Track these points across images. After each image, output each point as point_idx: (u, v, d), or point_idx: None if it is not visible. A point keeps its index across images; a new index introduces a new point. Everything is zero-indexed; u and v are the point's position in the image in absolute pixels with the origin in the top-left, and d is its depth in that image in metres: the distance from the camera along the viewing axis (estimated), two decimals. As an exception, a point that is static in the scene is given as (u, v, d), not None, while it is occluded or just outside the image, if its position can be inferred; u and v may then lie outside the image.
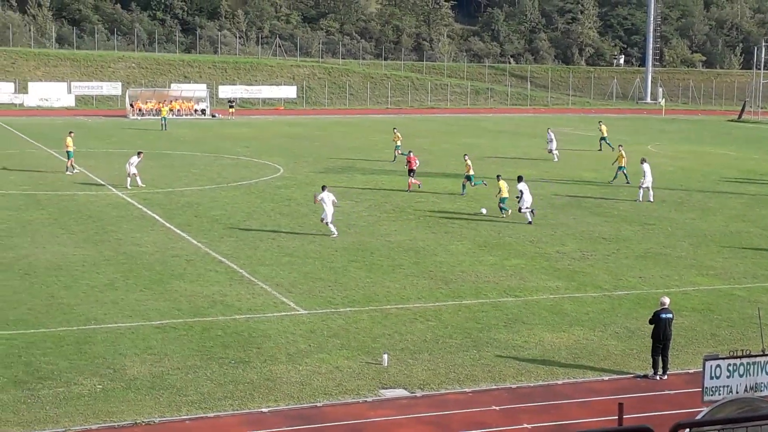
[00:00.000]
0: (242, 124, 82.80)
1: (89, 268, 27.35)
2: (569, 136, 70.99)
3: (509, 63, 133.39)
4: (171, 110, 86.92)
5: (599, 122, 66.33)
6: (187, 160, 53.51)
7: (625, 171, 46.08)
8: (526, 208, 35.99)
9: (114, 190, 41.75)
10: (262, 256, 29.48)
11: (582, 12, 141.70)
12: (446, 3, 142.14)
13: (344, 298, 24.93)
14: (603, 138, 62.60)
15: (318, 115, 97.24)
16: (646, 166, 41.76)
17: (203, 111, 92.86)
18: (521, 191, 36.18)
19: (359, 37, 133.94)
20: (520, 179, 37.03)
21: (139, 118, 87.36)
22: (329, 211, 32.25)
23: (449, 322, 22.97)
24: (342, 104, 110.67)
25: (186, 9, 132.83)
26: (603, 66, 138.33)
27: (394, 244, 31.77)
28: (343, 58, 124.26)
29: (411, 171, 44.08)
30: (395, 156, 54.87)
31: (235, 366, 19.59)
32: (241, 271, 27.56)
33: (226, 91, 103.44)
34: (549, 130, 59.14)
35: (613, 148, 60.62)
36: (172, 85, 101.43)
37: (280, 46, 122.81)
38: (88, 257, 28.77)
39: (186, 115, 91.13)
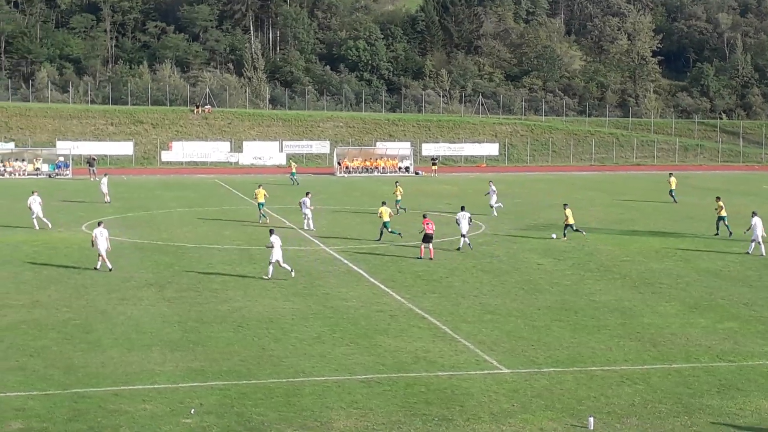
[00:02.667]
0: (444, 180, 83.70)
1: (298, 321, 28.20)
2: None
3: (720, 119, 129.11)
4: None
5: (669, 174, 67.28)
6: (392, 217, 54.37)
7: (725, 222, 46.67)
8: (462, 235, 41.52)
9: (321, 245, 42.98)
10: (465, 313, 29.52)
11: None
12: (653, 59, 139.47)
13: (548, 357, 24.55)
14: (671, 191, 64.17)
15: (520, 172, 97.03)
16: (756, 220, 41.22)
17: (407, 168, 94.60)
18: (458, 219, 41.58)
19: (562, 94, 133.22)
20: (462, 209, 42.51)
21: (346, 175, 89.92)
22: (277, 253, 34.22)
23: (658, 386, 22.18)
24: (544, 161, 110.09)
25: (392, 70, 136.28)
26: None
27: (599, 303, 31.12)
28: (546, 115, 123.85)
29: (427, 237, 39.19)
30: (397, 210, 54.33)
31: (438, 423, 19.60)
32: (443, 327, 27.67)
33: (429, 149, 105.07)
34: (491, 183, 57.92)
35: (676, 201, 62.40)
36: (378, 144, 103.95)
37: (482, 104, 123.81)
38: (297, 310, 29.68)
39: (390, 172, 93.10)
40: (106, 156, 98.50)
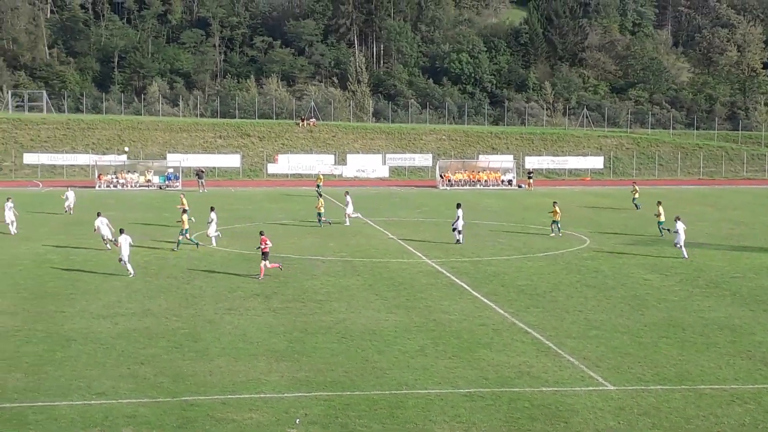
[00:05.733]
0: (547, 194, 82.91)
1: (401, 334, 28.32)
2: None
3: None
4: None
5: (633, 182, 74.75)
6: (494, 230, 54.27)
7: (660, 227, 50.40)
8: (457, 230, 47.10)
9: (424, 258, 43.05)
10: (569, 329, 29.22)
11: None
12: (763, 70, 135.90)
13: (655, 375, 24.12)
14: (634, 199, 67.62)
15: (626, 186, 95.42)
16: (679, 224, 43.62)
17: (510, 181, 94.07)
18: (458, 216, 47.10)
19: (669, 107, 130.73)
20: (458, 206, 48.02)
21: (448, 188, 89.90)
22: (125, 251, 37.18)
23: (770, 406, 21.61)
24: (651, 175, 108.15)
25: (495, 82, 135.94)
26: None
27: (708, 320, 30.44)
28: (653, 128, 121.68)
29: (264, 254, 37.59)
30: (320, 221, 55.53)
31: (542, 439, 19.45)
32: (547, 342, 27.44)
33: (532, 162, 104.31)
34: (347, 195, 58.13)
35: (638, 208, 65.76)
36: (480, 156, 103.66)
37: (587, 117, 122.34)
38: (399, 323, 29.81)
39: (493, 185, 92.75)
40: (214, 168, 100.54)
